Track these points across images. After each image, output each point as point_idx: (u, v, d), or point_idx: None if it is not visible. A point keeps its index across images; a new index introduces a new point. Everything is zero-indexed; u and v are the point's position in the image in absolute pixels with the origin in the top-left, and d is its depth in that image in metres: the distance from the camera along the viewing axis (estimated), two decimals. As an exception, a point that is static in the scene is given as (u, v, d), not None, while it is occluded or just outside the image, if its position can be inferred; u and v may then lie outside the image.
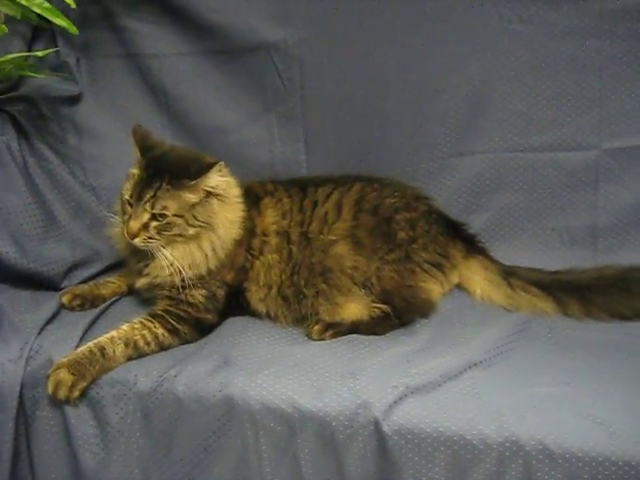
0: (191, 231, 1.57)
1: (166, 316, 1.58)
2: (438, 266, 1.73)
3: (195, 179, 1.54)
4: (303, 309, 1.66)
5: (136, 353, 1.50)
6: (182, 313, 1.60)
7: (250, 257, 1.69)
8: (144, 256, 1.62)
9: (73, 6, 1.72)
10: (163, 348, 1.54)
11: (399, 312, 1.63)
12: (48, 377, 1.43)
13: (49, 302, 1.68)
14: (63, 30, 1.74)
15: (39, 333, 1.55)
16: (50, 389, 1.42)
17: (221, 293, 1.66)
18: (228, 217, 1.63)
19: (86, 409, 1.44)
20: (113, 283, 1.79)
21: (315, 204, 1.72)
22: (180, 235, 1.57)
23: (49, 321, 1.61)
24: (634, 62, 1.82)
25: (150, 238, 1.55)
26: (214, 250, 1.61)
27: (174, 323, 1.57)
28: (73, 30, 1.71)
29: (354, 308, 1.64)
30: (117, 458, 1.44)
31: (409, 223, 1.70)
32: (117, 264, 1.87)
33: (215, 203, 1.59)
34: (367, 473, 1.32)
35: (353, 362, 1.46)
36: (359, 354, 1.50)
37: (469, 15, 1.87)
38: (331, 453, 1.34)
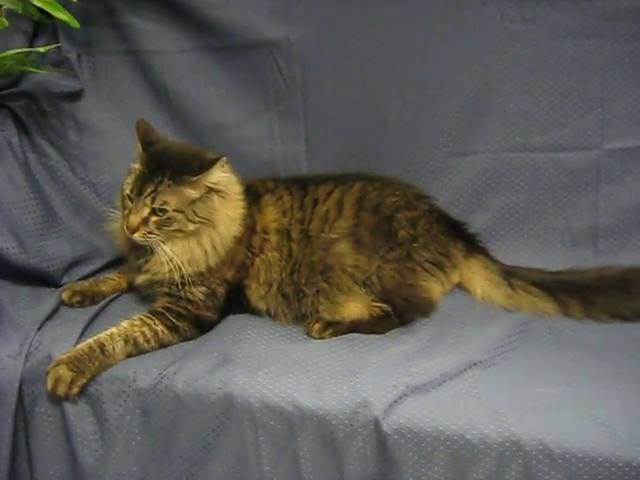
0: (191, 227, 1.57)
1: (166, 313, 1.57)
2: (439, 265, 1.72)
3: (198, 175, 1.54)
4: (303, 307, 1.65)
5: (136, 350, 1.50)
6: (182, 310, 1.59)
7: (250, 254, 1.69)
8: (144, 252, 1.61)
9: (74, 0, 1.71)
10: (163, 345, 1.54)
11: (399, 311, 1.63)
12: (47, 373, 1.42)
13: (49, 298, 1.68)
14: (64, 26, 1.74)
15: (39, 329, 1.55)
16: (49, 385, 1.42)
17: (221, 290, 1.65)
18: (228, 214, 1.63)
19: (85, 406, 1.44)
20: (113, 280, 1.79)
21: (316, 202, 1.72)
22: (180, 231, 1.56)
23: (49, 317, 1.61)
24: (636, 62, 1.82)
25: (150, 233, 1.55)
26: (214, 247, 1.61)
27: (174, 320, 1.57)
28: (74, 24, 1.69)
29: (354, 307, 1.64)
30: (116, 455, 1.44)
31: (410, 222, 1.69)
32: (117, 261, 1.87)
33: (216, 199, 1.59)
34: (367, 472, 1.32)
35: (353, 361, 1.46)
36: (359, 353, 1.50)
37: (471, 14, 1.87)
38: (331, 452, 1.33)
